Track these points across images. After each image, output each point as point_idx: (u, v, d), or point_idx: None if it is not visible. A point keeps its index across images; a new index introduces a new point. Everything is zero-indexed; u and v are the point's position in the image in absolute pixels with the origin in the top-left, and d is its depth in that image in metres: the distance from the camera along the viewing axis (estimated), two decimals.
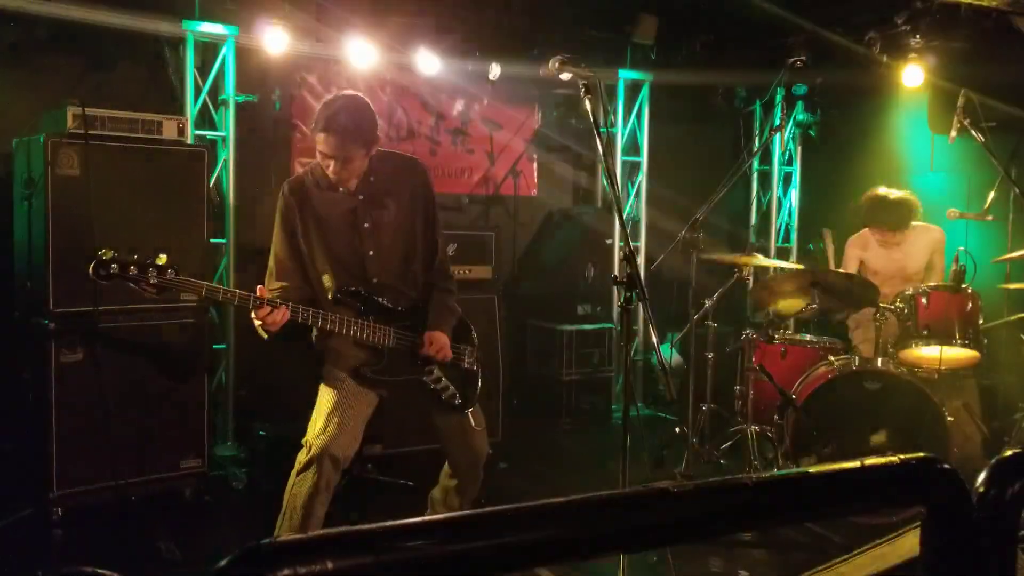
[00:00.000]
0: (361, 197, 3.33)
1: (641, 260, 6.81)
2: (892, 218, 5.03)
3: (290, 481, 3.28)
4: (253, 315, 3.10)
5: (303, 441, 3.28)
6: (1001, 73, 5.29)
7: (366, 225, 3.33)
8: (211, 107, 5.25)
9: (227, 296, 3.13)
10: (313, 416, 3.31)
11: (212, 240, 4.92)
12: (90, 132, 4.16)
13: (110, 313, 4.19)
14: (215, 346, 5.01)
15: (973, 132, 4.36)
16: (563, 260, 6.61)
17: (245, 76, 5.35)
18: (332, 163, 3.21)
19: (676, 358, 6.43)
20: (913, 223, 5.09)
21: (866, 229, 5.24)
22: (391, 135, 6.18)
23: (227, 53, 5.21)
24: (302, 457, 3.24)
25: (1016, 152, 5.29)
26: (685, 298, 5.54)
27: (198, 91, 5.15)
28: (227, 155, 5.25)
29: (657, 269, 5.70)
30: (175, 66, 5.13)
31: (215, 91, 5.25)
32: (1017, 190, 4.33)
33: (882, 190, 5.12)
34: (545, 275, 6.67)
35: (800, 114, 7.17)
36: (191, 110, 5.09)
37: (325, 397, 3.32)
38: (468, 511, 1.18)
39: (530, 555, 1.30)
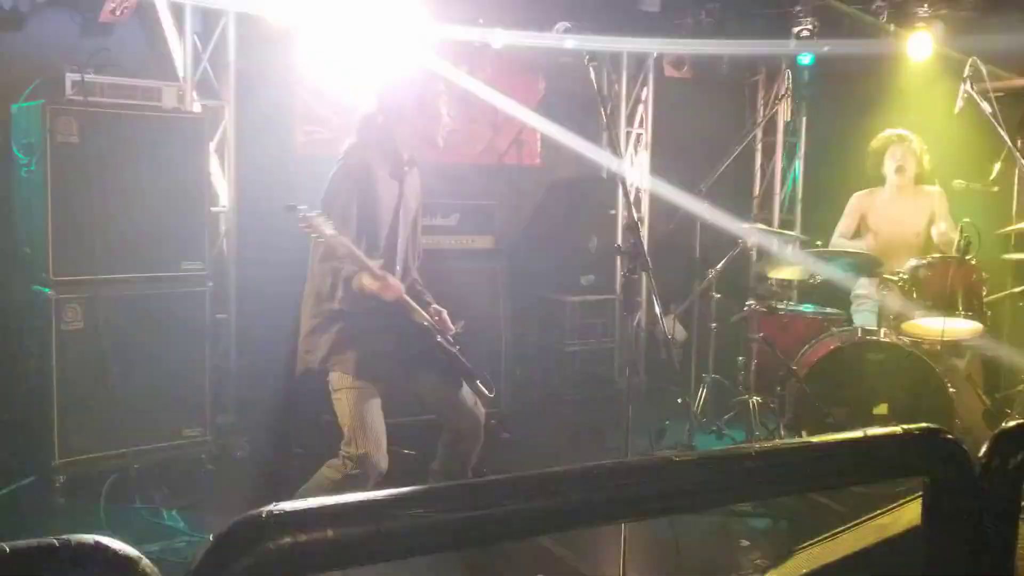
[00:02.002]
0: (398, 182, 3.43)
1: (644, 231, 6.79)
2: (907, 143, 5.10)
3: (330, 467, 3.31)
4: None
5: (346, 454, 3.25)
6: (1008, 42, 5.22)
7: (402, 212, 3.44)
8: (211, 74, 5.19)
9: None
10: (348, 432, 3.26)
11: (212, 208, 4.91)
12: (89, 99, 4.13)
13: (111, 281, 4.18)
14: (217, 315, 5.00)
15: (980, 102, 4.31)
16: (566, 230, 6.58)
17: (246, 42, 5.29)
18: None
19: (679, 329, 6.42)
20: (924, 186, 5.16)
21: (874, 189, 5.24)
22: None
23: (228, 18, 5.15)
24: (350, 469, 3.22)
25: (1023, 122, 5.23)
26: (689, 269, 5.54)
27: (199, 58, 5.10)
28: (228, 123, 5.20)
29: (661, 240, 5.69)
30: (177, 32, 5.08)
31: (216, 57, 5.20)
32: (1023, 162, 4.29)
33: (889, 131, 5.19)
34: (548, 245, 6.65)
35: (803, 88, 7.11)
36: (191, 77, 5.03)
37: (351, 408, 3.27)
38: (471, 480, 1.17)
39: (533, 524, 1.30)
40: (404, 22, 5.39)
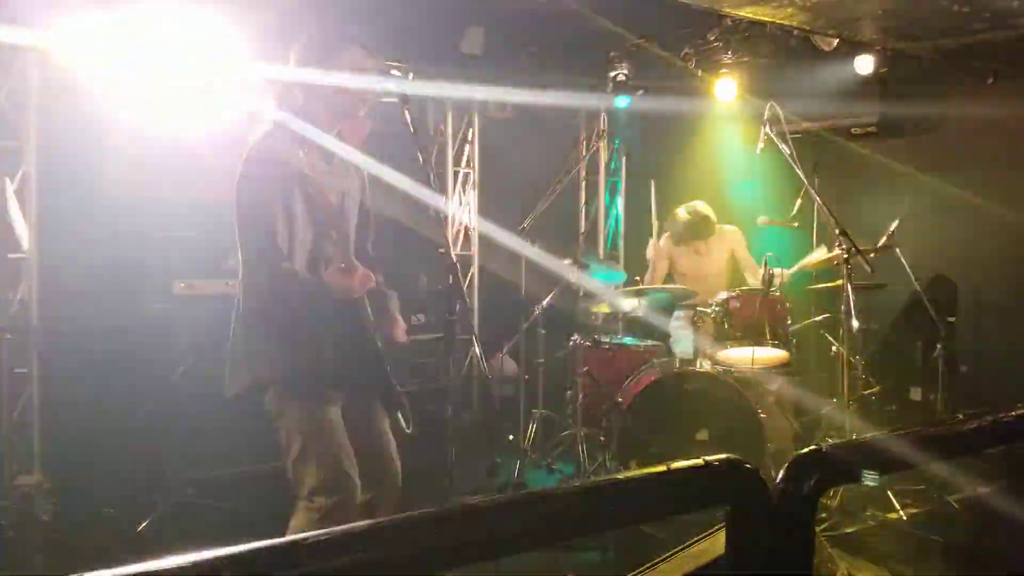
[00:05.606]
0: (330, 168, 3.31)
1: (474, 269, 6.85)
2: (703, 231, 5.45)
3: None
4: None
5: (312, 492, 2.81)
6: (803, 88, 5.64)
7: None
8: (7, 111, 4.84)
9: None
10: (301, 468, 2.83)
11: (11, 255, 4.57)
12: None
13: None
14: (16, 369, 4.63)
15: (779, 144, 4.60)
16: (396, 269, 6.53)
17: (53, 81, 4.94)
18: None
19: (510, 365, 6.49)
20: (722, 225, 5.58)
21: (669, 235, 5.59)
22: None
23: (28, 56, 4.82)
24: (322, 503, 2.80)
25: (818, 162, 5.65)
26: (517, 305, 5.62)
27: None
28: (29, 164, 4.87)
29: (490, 278, 5.75)
30: None
31: (15, 97, 4.85)
32: (819, 199, 4.61)
33: (683, 212, 5.50)
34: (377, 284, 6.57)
35: (620, 129, 7.43)
36: None
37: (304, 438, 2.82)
38: (245, 546, 1.10)
39: None
40: (218, 62, 5.23)
